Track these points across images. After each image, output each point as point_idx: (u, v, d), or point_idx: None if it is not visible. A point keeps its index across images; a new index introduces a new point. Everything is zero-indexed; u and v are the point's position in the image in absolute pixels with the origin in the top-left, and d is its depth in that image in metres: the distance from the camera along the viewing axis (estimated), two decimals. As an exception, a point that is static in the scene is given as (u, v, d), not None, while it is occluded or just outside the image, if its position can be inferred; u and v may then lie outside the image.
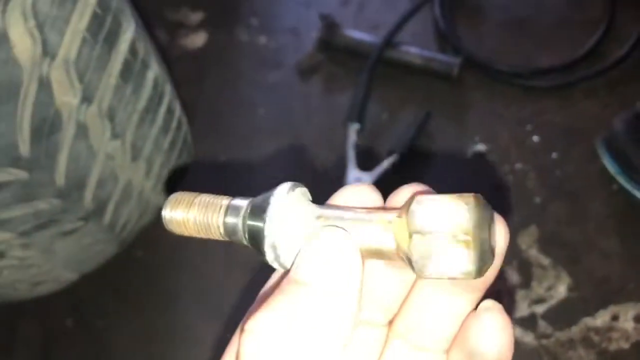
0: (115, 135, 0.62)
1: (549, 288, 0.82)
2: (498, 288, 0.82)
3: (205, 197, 0.26)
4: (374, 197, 0.25)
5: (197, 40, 1.17)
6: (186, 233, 0.27)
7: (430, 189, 0.25)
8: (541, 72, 1.02)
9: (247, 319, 0.21)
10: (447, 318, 0.24)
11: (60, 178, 0.53)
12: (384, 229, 0.23)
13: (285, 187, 0.24)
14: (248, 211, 0.25)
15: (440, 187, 0.26)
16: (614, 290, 0.81)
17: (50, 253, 0.61)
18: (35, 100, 0.49)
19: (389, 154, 0.93)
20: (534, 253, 0.84)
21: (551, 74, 1.02)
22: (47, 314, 0.88)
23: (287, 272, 0.23)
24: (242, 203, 0.25)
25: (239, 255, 0.88)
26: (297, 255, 0.23)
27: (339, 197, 0.26)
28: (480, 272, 0.21)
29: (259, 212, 0.24)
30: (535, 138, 0.95)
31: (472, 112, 1.00)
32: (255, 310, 0.21)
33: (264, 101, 1.08)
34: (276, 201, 0.24)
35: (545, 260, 0.83)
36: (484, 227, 0.22)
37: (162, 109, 0.70)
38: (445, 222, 0.21)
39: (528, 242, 0.85)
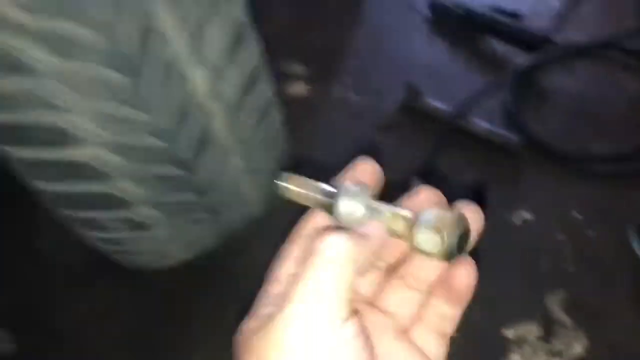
0: (242, 157, 0.80)
1: (567, 345, 0.92)
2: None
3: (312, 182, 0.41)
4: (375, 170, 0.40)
5: (299, 88, 1.38)
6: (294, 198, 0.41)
7: (441, 197, 0.40)
8: (596, 159, 1.15)
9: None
10: (433, 269, 0.39)
11: (202, 179, 0.72)
12: (402, 220, 0.38)
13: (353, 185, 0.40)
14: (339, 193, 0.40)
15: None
16: (627, 357, 0.91)
17: (179, 233, 0.79)
18: (199, 122, 0.69)
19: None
20: (558, 312, 0.95)
21: (605, 162, 1.14)
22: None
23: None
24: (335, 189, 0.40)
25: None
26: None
27: (356, 169, 0.40)
28: (446, 256, 0.36)
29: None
30: (578, 215, 1.07)
31: (524, 183, 1.14)
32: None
33: (343, 149, 1.26)
34: (346, 191, 0.39)
35: (568, 321, 0.94)
36: (458, 229, 0.37)
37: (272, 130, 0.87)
38: (434, 221, 0.37)
39: (554, 302, 0.96)
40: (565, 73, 1.31)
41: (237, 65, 0.72)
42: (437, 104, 1.26)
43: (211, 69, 0.68)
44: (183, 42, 0.63)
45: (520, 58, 1.32)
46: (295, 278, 0.32)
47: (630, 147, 1.13)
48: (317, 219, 0.39)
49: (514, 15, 1.37)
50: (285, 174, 0.40)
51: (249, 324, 0.34)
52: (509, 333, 0.95)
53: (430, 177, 1.15)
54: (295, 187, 0.40)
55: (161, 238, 0.79)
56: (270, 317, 0.32)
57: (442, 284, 0.39)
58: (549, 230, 1.06)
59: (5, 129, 0.62)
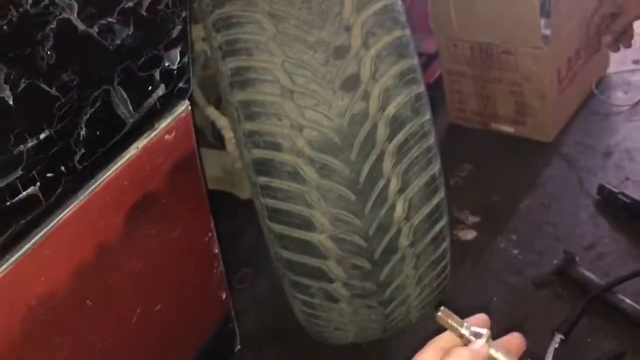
0: (414, 268, 1.06)
1: None
2: None
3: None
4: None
5: (469, 235, 1.62)
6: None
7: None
8: None
9: None
10: None
11: (383, 275, 1.00)
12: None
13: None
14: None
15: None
16: None
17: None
18: (392, 235, 0.97)
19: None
20: None
21: None
22: None
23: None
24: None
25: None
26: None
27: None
28: None
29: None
30: None
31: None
32: None
33: (501, 295, 1.45)
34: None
35: None
36: None
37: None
38: None
39: None
40: None
41: (428, 204, 1.00)
42: (590, 274, 1.42)
43: (409, 203, 0.97)
44: (396, 186, 0.95)
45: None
46: None
47: None
48: (447, 339, 0.53)
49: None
50: (444, 308, 0.53)
51: None
52: None
53: (569, 336, 1.29)
54: (450, 320, 0.53)
55: (345, 313, 1.05)
56: None
57: None
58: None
59: (272, 211, 0.96)
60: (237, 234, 1.72)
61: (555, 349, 1.26)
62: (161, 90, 0.84)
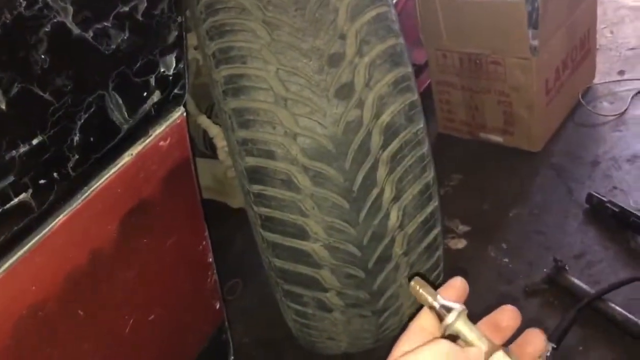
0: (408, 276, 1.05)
1: None
2: None
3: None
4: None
5: (459, 244, 1.63)
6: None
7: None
8: None
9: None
10: None
11: (376, 284, 1.00)
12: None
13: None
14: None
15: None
16: None
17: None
18: (386, 244, 0.97)
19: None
20: None
21: None
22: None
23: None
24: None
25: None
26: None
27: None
28: None
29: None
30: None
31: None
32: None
33: (492, 303, 1.45)
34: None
35: None
36: None
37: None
38: None
39: None
40: None
41: (422, 212, 1.00)
42: (580, 283, 1.42)
43: (403, 212, 0.97)
44: (390, 195, 0.94)
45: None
46: None
47: None
48: (424, 321, 0.51)
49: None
50: (418, 277, 0.52)
51: None
52: None
53: (560, 345, 1.30)
54: (423, 290, 0.51)
55: (338, 322, 1.05)
56: None
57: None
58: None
59: (266, 219, 0.96)
60: (226, 243, 1.71)
61: (547, 358, 1.26)
62: (156, 97, 0.83)
